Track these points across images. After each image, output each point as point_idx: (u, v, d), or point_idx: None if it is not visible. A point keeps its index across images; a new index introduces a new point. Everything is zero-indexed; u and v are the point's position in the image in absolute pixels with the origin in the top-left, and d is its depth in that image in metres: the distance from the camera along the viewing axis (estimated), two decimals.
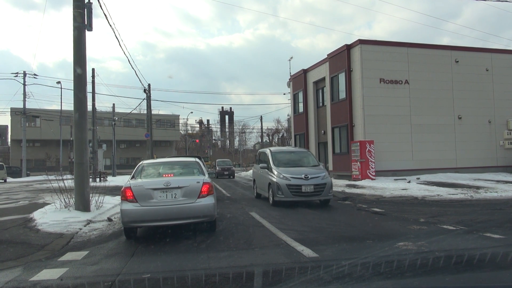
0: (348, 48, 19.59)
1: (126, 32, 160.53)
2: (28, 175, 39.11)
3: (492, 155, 20.44)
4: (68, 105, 60.25)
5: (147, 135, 30.50)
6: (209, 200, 6.66)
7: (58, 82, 42.60)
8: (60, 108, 42.41)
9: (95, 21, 9.83)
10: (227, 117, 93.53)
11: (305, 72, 24.87)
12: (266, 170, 11.16)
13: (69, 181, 10.21)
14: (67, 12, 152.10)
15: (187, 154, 49.42)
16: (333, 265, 4.44)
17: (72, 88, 9.61)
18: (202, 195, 6.62)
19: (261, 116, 58.17)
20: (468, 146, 19.88)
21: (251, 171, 39.64)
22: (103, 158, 43.36)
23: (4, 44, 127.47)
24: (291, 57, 43.86)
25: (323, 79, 22.62)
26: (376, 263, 4.35)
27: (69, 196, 9.42)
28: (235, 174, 31.40)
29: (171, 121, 65.90)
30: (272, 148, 12.34)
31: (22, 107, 39.98)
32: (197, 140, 69.99)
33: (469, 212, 8.86)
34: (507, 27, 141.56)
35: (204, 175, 7.29)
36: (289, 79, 28.64)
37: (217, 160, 34.51)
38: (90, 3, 9.60)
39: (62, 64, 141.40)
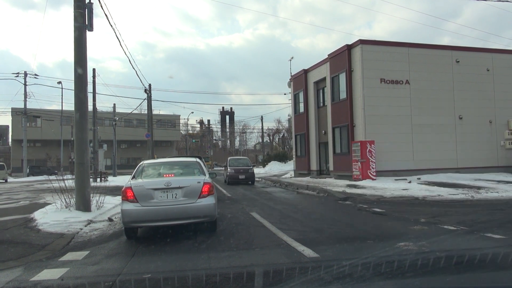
0: (348, 48, 19.58)
1: (126, 32, 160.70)
2: (55, 173, 39.00)
3: (493, 155, 20.40)
4: (69, 105, 60.19)
5: (147, 135, 30.49)
6: (209, 200, 6.66)
7: (59, 82, 42.52)
8: (60, 108, 42.49)
9: (95, 21, 9.84)
10: (227, 117, 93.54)
11: (305, 72, 24.86)
12: None
13: (69, 181, 10.22)
14: (66, 11, 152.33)
15: (187, 154, 49.40)
16: (333, 265, 4.44)
17: (73, 88, 9.63)
18: (203, 195, 6.62)
19: (261, 116, 58.38)
20: (469, 146, 19.85)
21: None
22: (103, 158, 43.41)
23: (3, 44, 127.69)
24: (292, 57, 43.65)
25: (324, 79, 22.61)
26: (377, 263, 4.35)
27: (69, 196, 9.43)
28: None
29: (172, 121, 66.00)
30: None
31: (23, 107, 40.05)
32: (198, 140, 70.03)
33: (470, 212, 8.85)
34: (507, 27, 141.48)
35: (204, 175, 7.30)
36: (290, 79, 28.63)
37: (228, 158, 23.86)
38: (91, 3, 9.61)
39: (62, 64, 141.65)
